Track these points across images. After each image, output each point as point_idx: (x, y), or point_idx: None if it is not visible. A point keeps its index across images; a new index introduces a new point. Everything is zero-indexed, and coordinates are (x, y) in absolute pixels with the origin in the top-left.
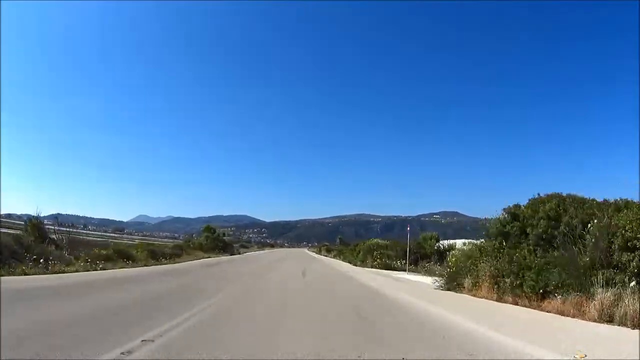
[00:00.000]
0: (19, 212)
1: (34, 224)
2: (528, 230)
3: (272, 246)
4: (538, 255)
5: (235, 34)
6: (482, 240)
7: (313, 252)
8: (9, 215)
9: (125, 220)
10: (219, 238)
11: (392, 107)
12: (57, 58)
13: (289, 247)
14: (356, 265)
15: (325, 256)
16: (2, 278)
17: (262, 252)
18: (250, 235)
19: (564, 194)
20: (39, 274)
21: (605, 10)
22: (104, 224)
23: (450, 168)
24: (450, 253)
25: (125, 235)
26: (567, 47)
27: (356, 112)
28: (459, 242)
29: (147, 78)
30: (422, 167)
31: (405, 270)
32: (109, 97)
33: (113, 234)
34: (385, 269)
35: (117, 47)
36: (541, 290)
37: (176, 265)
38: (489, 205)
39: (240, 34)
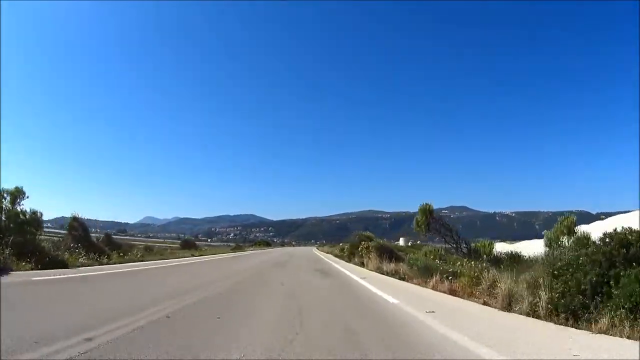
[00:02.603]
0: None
1: None
2: None
3: (267, 244)
4: None
5: (240, 34)
6: None
7: (325, 254)
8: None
9: (131, 222)
10: None
11: (397, 106)
12: (62, 60)
13: (296, 246)
14: None
15: (395, 279)
16: None
17: (225, 256)
18: (257, 235)
19: None
20: None
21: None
22: (108, 226)
23: (458, 162)
24: None
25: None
26: (574, 48)
27: (362, 110)
28: None
29: (152, 79)
30: (430, 162)
31: None
32: (114, 99)
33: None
34: None
35: (124, 47)
36: None
37: None
38: (497, 200)
39: (248, 34)
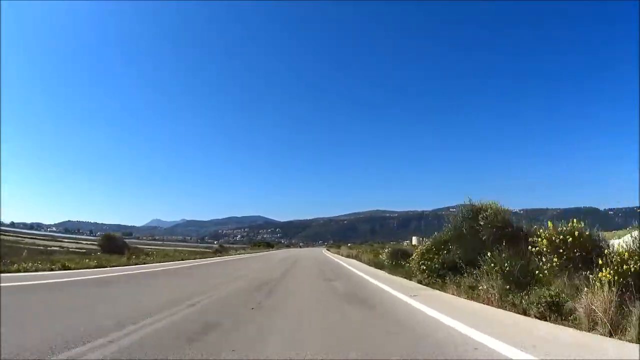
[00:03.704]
0: (28, 221)
1: None
2: None
3: (270, 246)
4: None
5: (241, 34)
6: None
7: (345, 259)
8: (12, 224)
9: (138, 225)
10: None
11: (401, 105)
12: (62, 60)
13: (303, 247)
14: None
15: None
16: None
17: (152, 270)
18: (264, 236)
19: None
20: None
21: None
22: (114, 229)
23: (464, 161)
24: None
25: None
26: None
27: (366, 111)
28: None
29: (153, 79)
30: (436, 161)
31: None
32: (116, 100)
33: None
34: None
35: (129, 50)
36: None
37: None
38: (504, 197)
39: (248, 35)
